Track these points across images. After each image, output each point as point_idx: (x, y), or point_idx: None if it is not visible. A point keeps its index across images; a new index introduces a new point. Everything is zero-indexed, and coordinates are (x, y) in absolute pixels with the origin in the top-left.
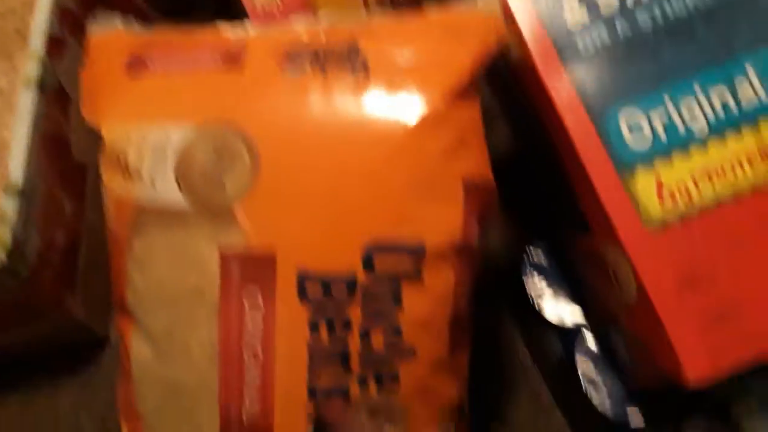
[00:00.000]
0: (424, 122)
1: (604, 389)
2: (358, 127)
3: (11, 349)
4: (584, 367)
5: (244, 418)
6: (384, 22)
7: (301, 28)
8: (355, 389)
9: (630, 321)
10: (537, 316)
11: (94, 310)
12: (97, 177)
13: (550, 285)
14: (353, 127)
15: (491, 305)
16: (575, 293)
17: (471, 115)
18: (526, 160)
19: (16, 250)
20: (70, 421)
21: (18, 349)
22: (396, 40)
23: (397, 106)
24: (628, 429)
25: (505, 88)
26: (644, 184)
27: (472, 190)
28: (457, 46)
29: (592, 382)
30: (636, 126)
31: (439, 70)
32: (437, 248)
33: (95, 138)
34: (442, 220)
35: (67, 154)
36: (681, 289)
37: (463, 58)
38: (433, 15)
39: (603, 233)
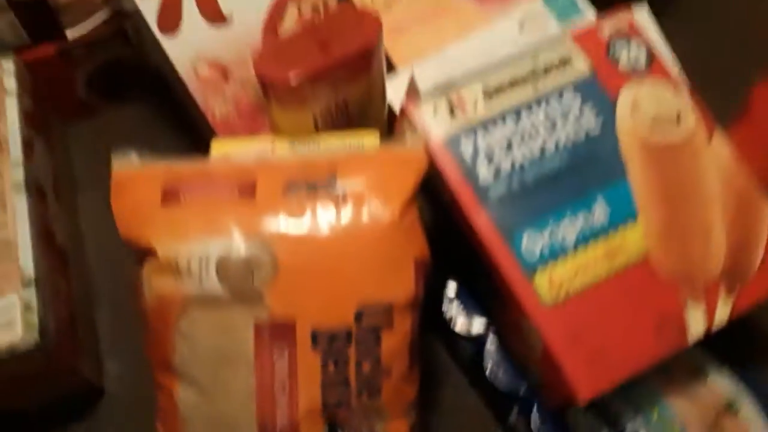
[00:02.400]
0: (389, 225)
1: (501, 373)
2: (343, 231)
3: (27, 409)
4: (488, 360)
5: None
6: (351, 156)
7: (291, 157)
8: (353, 400)
9: (539, 361)
10: (453, 330)
11: (92, 366)
12: (76, 257)
13: (461, 307)
14: (340, 231)
15: (422, 325)
16: (480, 311)
17: (414, 216)
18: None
19: (42, 330)
20: None
21: (33, 410)
22: (361, 169)
23: (369, 215)
24: (519, 396)
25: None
26: (541, 279)
27: (419, 264)
28: (403, 172)
29: (493, 369)
30: (533, 242)
31: (394, 189)
32: (401, 305)
33: (72, 225)
34: (402, 287)
35: (53, 241)
36: (571, 340)
37: (408, 180)
38: (383, 152)
39: (516, 310)
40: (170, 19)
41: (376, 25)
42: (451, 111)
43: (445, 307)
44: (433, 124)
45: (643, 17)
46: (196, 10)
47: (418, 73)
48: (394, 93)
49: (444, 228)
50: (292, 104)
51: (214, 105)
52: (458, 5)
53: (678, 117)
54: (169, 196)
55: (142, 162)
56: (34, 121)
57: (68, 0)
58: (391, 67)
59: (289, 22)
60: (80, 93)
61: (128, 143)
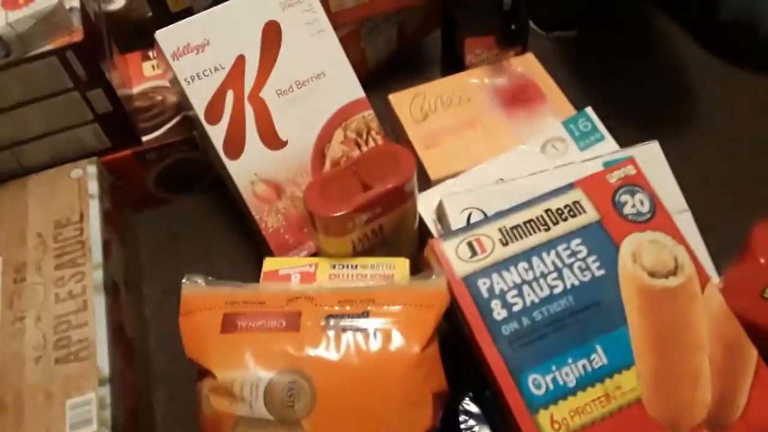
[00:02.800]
0: (410, 361)
1: None
2: (372, 365)
3: None
4: None
5: None
6: (381, 292)
7: (330, 293)
8: None
9: None
10: None
11: None
12: (140, 346)
13: (476, 421)
14: (369, 364)
15: None
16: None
17: (434, 352)
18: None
19: (114, 425)
20: None
21: None
22: (390, 306)
23: (394, 351)
24: None
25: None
26: (543, 417)
27: (436, 397)
28: (426, 311)
29: None
30: (537, 384)
31: (417, 327)
32: None
33: (138, 313)
34: (421, 417)
35: (123, 334)
36: None
37: (430, 318)
38: (410, 288)
39: None
40: (235, 146)
41: (410, 163)
42: (472, 252)
43: (461, 417)
44: (455, 261)
45: (655, 152)
46: (257, 138)
47: (447, 195)
48: (425, 209)
49: (460, 337)
50: (335, 233)
51: (267, 218)
52: (488, 119)
53: (675, 267)
54: (228, 324)
55: (208, 286)
56: (112, 219)
57: (145, 110)
58: (424, 176)
59: (336, 144)
60: (150, 187)
61: (192, 231)
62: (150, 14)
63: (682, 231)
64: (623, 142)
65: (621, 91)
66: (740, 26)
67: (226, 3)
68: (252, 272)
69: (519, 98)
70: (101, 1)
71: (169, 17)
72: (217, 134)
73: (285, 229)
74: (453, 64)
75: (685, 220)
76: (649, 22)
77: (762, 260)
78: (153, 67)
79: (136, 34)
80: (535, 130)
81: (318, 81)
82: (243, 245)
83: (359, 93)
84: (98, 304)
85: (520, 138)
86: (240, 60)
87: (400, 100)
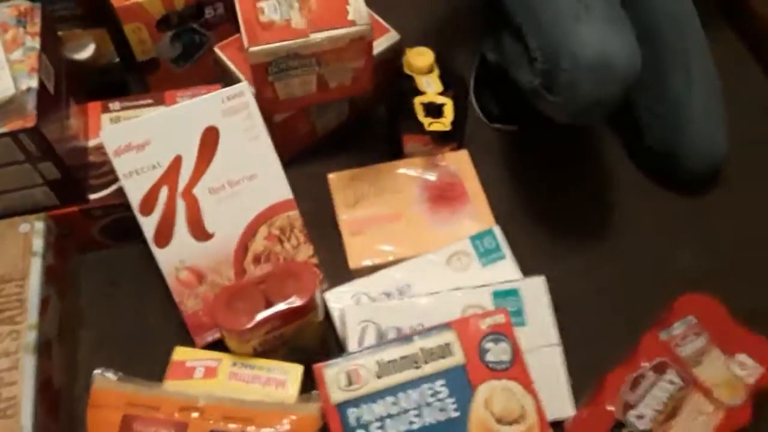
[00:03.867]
0: None
1: None
2: None
3: None
4: None
5: None
6: (262, 414)
7: (218, 405)
8: None
9: None
10: None
11: None
12: (68, 394)
13: None
14: None
15: None
16: None
17: None
18: None
19: None
20: None
21: None
22: (265, 429)
23: None
24: None
25: None
26: None
27: None
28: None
29: None
30: None
31: None
32: None
33: (70, 359)
34: None
35: (50, 386)
36: None
37: None
38: (288, 410)
39: None
40: (164, 236)
41: (312, 285)
42: (349, 381)
43: None
44: (332, 388)
45: (539, 286)
46: (186, 229)
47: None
48: (335, 301)
49: None
50: (237, 339)
51: (188, 301)
52: (414, 213)
53: (520, 415)
54: (125, 427)
55: (118, 381)
56: (54, 274)
57: (97, 165)
58: (344, 261)
59: (260, 239)
60: (94, 235)
61: (130, 278)
62: (117, 60)
63: (549, 364)
64: (527, 254)
65: (543, 194)
66: (662, 154)
67: (174, 106)
68: (176, 329)
69: (445, 196)
70: (70, 51)
71: (136, 66)
72: (148, 225)
73: (203, 312)
74: (393, 149)
75: (554, 353)
76: (587, 128)
77: (609, 407)
78: (111, 120)
79: (101, 79)
80: (453, 231)
81: (249, 182)
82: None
83: (287, 194)
84: (29, 363)
85: (437, 237)
86: (177, 160)
87: (337, 182)
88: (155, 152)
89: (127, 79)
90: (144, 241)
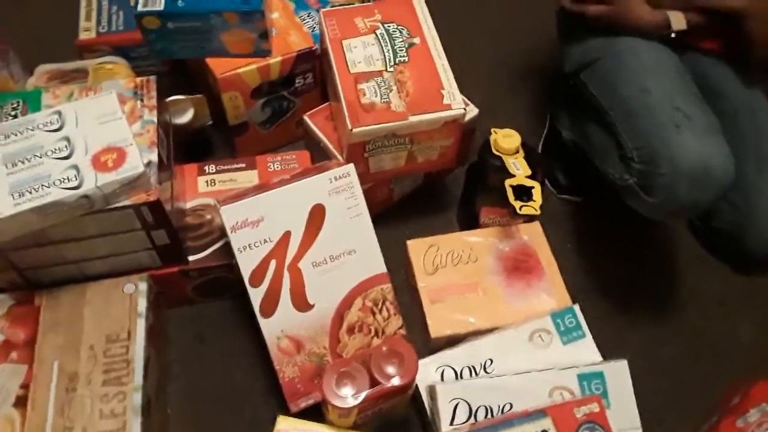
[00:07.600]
0: None
1: None
2: None
3: None
4: None
5: None
6: None
7: None
8: None
9: None
10: None
11: None
12: None
13: None
14: None
15: None
16: None
17: None
18: None
19: None
20: None
21: None
22: None
23: None
24: None
25: None
26: None
27: None
28: None
29: None
30: None
31: None
32: None
33: (162, 414)
34: None
35: None
36: None
37: None
38: None
39: None
40: (269, 306)
41: (413, 367)
42: None
43: None
44: None
45: (622, 370)
46: (289, 300)
47: (441, 385)
48: (421, 375)
49: None
50: (341, 414)
51: (286, 369)
52: (489, 283)
53: None
54: None
55: None
56: (153, 333)
57: (193, 228)
58: (425, 329)
59: (354, 310)
60: (187, 293)
61: (217, 335)
62: (210, 123)
63: None
64: (597, 331)
65: (609, 268)
66: (729, 236)
67: (286, 186)
68: (262, 389)
69: (520, 267)
70: (172, 115)
71: (228, 129)
72: (256, 295)
73: (299, 380)
74: (468, 219)
75: None
76: None
77: None
78: (207, 183)
79: (194, 139)
80: (529, 306)
81: (348, 256)
82: (259, 355)
83: (381, 268)
84: (135, 426)
85: (514, 310)
86: (286, 235)
87: (416, 249)
88: (268, 228)
89: (212, 139)
90: (229, 297)
